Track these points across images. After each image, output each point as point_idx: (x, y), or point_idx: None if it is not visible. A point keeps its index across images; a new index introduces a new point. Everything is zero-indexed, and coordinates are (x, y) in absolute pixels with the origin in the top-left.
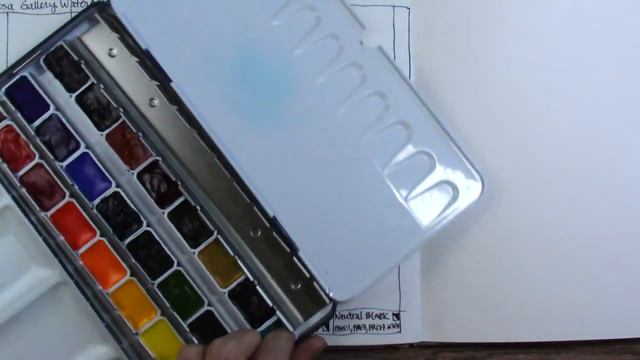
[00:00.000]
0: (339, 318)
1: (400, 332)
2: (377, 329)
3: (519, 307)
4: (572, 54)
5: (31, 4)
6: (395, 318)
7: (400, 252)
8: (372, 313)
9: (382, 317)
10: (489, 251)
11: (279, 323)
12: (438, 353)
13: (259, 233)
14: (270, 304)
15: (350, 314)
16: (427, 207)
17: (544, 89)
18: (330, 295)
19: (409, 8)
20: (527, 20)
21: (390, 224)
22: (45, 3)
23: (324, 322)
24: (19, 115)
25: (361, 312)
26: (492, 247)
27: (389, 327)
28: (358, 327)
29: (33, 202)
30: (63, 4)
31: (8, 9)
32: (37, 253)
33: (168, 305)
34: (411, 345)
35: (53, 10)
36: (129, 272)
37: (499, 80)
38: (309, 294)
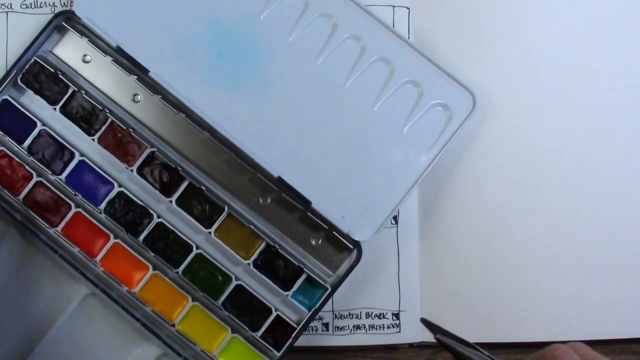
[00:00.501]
0: (338, 318)
1: (399, 332)
2: (376, 329)
3: (518, 307)
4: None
5: (31, 4)
6: (394, 318)
7: (408, 180)
8: (372, 313)
9: (382, 317)
10: (489, 251)
11: (310, 280)
12: (438, 353)
13: (269, 199)
14: (297, 264)
15: (350, 314)
16: (425, 132)
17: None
18: (353, 237)
19: (408, 8)
20: (527, 21)
21: (393, 156)
22: (45, 2)
23: (353, 268)
24: (7, 139)
25: (361, 312)
26: (492, 247)
27: (388, 327)
28: (358, 327)
29: (41, 221)
30: (63, 4)
31: (8, 8)
32: (58, 270)
33: (197, 289)
34: (411, 345)
35: (53, 10)
36: (151, 267)
37: (498, 78)
38: (331, 245)
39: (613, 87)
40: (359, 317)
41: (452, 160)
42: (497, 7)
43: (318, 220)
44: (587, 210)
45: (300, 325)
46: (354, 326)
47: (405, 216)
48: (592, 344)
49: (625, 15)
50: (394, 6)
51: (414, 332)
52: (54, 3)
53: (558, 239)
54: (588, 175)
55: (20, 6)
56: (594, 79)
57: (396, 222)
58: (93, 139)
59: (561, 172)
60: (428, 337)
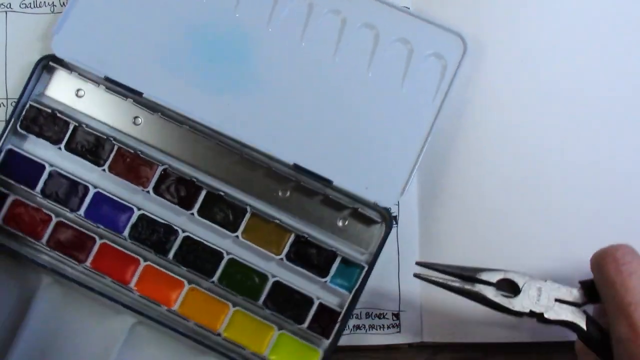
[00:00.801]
0: None
1: (399, 332)
2: (376, 329)
3: None
4: None
5: (30, 3)
6: (394, 318)
7: (420, 135)
8: (372, 313)
9: (382, 317)
10: (490, 251)
11: (345, 262)
12: (438, 353)
13: (288, 192)
14: (329, 248)
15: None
16: (424, 85)
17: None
18: (381, 205)
19: (409, 8)
20: (527, 20)
21: (399, 116)
22: (44, 2)
23: (386, 239)
24: (20, 186)
25: (361, 312)
26: (492, 247)
27: (388, 327)
28: (358, 327)
29: (70, 260)
30: (62, 3)
31: (7, 8)
32: (99, 307)
33: (235, 294)
34: (411, 345)
35: (52, 10)
36: (186, 282)
37: (497, 78)
38: (359, 222)
39: (614, 86)
40: (359, 317)
41: (453, 160)
42: (495, 7)
43: (342, 199)
44: (587, 210)
45: (345, 308)
46: (354, 326)
47: (405, 216)
48: None
49: (626, 13)
50: None
51: (414, 332)
52: (53, 3)
53: (558, 238)
54: (589, 175)
55: (20, 6)
56: (596, 76)
57: (396, 222)
58: (103, 169)
59: (562, 172)
60: (428, 337)
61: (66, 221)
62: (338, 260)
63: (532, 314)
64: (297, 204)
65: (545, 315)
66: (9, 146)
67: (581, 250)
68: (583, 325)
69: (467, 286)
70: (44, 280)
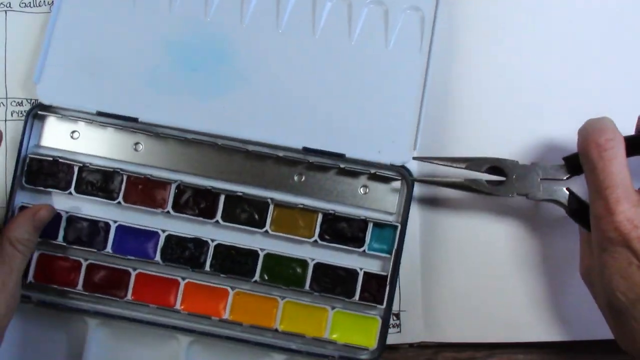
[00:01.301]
0: None
1: (400, 332)
2: None
3: (518, 307)
4: None
5: (29, 2)
6: (395, 318)
7: (416, 88)
8: None
9: None
10: (489, 251)
11: (378, 225)
12: (438, 353)
13: (303, 176)
14: (359, 218)
15: None
16: (408, 39)
17: None
18: (397, 164)
19: None
20: (525, 26)
21: (391, 75)
22: (44, 1)
23: (411, 194)
24: (40, 239)
25: None
26: (492, 246)
27: (389, 327)
28: None
29: (111, 298)
30: None
31: (6, 7)
32: (151, 336)
33: (281, 286)
34: (411, 345)
35: (51, 9)
36: (229, 289)
37: (497, 80)
38: (380, 186)
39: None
40: None
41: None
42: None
43: (357, 168)
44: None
45: (391, 270)
46: None
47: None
48: (592, 344)
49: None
50: None
51: (414, 332)
52: (52, 2)
53: (558, 238)
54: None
55: (19, 5)
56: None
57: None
58: (119, 202)
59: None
60: (428, 337)
61: (96, 262)
62: (370, 226)
63: (519, 194)
64: (315, 184)
65: (531, 196)
66: (20, 203)
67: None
68: (565, 202)
69: (457, 179)
70: (91, 324)
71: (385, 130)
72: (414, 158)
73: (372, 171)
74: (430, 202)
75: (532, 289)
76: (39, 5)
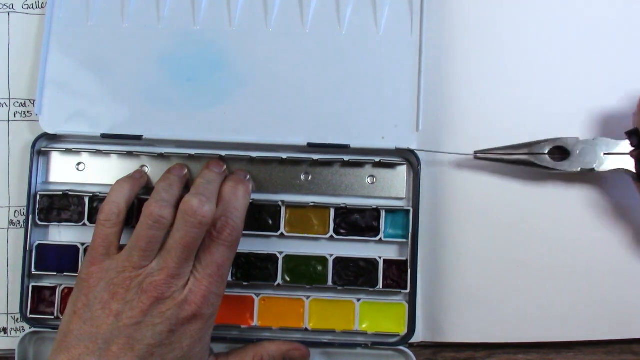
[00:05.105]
0: None
1: None
2: None
3: (518, 307)
4: None
5: (32, 4)
6: None
7: (413, 68)
8: None
9: None
10: (490, 251)
11: (391, 212)
12: (438, 353)
13: (310, 175)
14: (370, 207)
15: None
16: (398, 21)
17: None
18: (403, 147)
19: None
20: (523, 26)
21: (386, 60)
22: (47, 3)
23: (419, 176)
24: (64, 274)
25: None
26: (492, 246)
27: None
28: None
29: None
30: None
31: (9, 8)
32: None
33: (304, 285)
34: (411, 345)
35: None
36: (254, 295)
37: (498, 79)
38: (387, 173)
39: None
40: None
41: (452, 160)
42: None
43: (360, 159)
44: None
45: (409, 254)
46: None
47: None
48: (592, 344)
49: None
50: None
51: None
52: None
53: (559, 238)
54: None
55: (22, 6)
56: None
57: None
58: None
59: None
60: (428, 337)
61: None
62: (383, 214)
63: (584, 170)
64: (322, 181)
65: (597, 170)
66: (37, 242)
67: (582, 249)
68: (632, 168)
69: (521, 156)
70: None
71: (387, 115)
72: (476, 155)
73: (377, 159)
74: (430, 201)
75: (532, 289)
76: (42, 7)
